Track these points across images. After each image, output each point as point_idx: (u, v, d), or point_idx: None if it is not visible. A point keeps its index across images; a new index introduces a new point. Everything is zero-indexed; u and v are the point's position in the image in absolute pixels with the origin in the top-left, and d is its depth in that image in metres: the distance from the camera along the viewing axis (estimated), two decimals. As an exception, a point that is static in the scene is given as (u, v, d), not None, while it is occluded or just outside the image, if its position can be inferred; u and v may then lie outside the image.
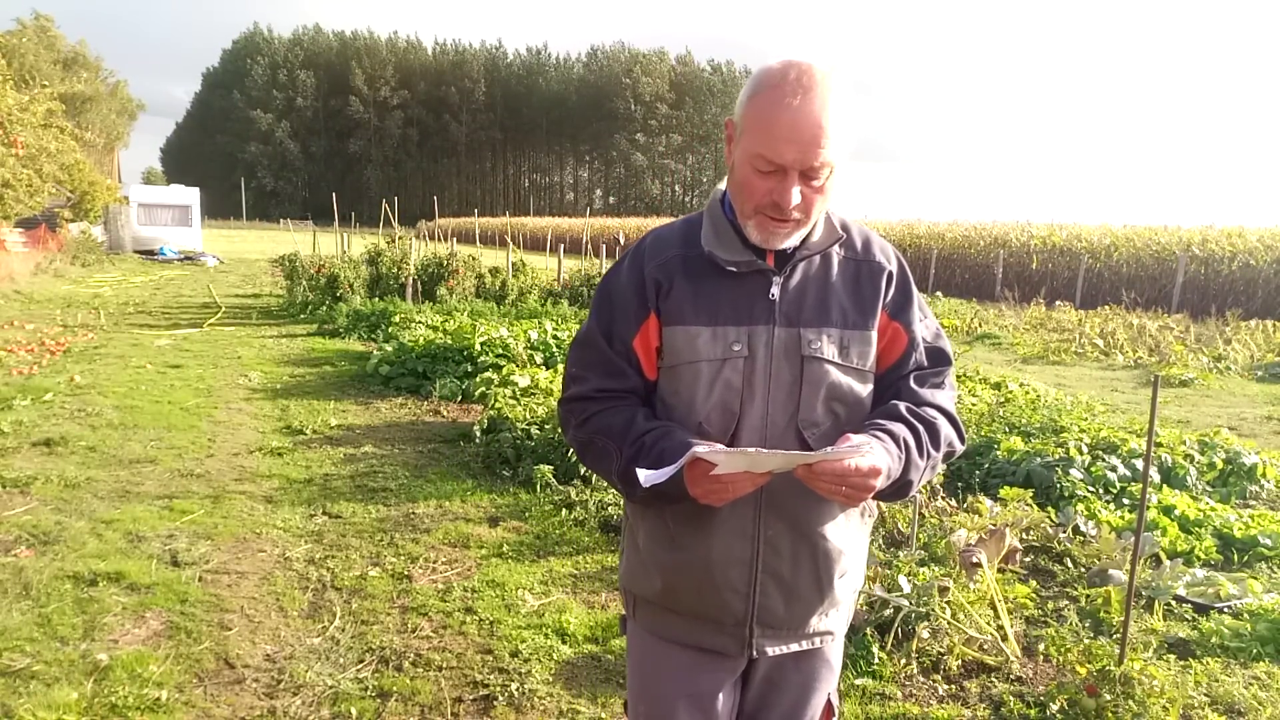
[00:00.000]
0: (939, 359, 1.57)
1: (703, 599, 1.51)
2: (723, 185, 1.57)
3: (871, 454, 1.32)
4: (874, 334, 1.50)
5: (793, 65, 1.36)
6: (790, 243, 1.45)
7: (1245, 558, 4.34)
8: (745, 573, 1.48)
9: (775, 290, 1.46)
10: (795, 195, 1.36)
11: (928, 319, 1.57)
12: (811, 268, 1.49)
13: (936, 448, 1.49)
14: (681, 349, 1.47)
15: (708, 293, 1.47)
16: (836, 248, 1.50)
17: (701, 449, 1.29)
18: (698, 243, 1.50)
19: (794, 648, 1.56)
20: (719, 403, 1.45)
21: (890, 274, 1.53)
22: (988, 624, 3.33)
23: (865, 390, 1.51)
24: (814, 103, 1.34)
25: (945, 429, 1.51)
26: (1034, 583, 3.96)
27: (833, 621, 1.59)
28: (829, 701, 1.66)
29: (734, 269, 1.45)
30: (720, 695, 1.57)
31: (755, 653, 1.53)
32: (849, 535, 1.56)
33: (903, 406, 1.49)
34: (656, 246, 1.54)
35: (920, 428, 1.47)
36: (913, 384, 1.53)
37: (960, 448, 1.56)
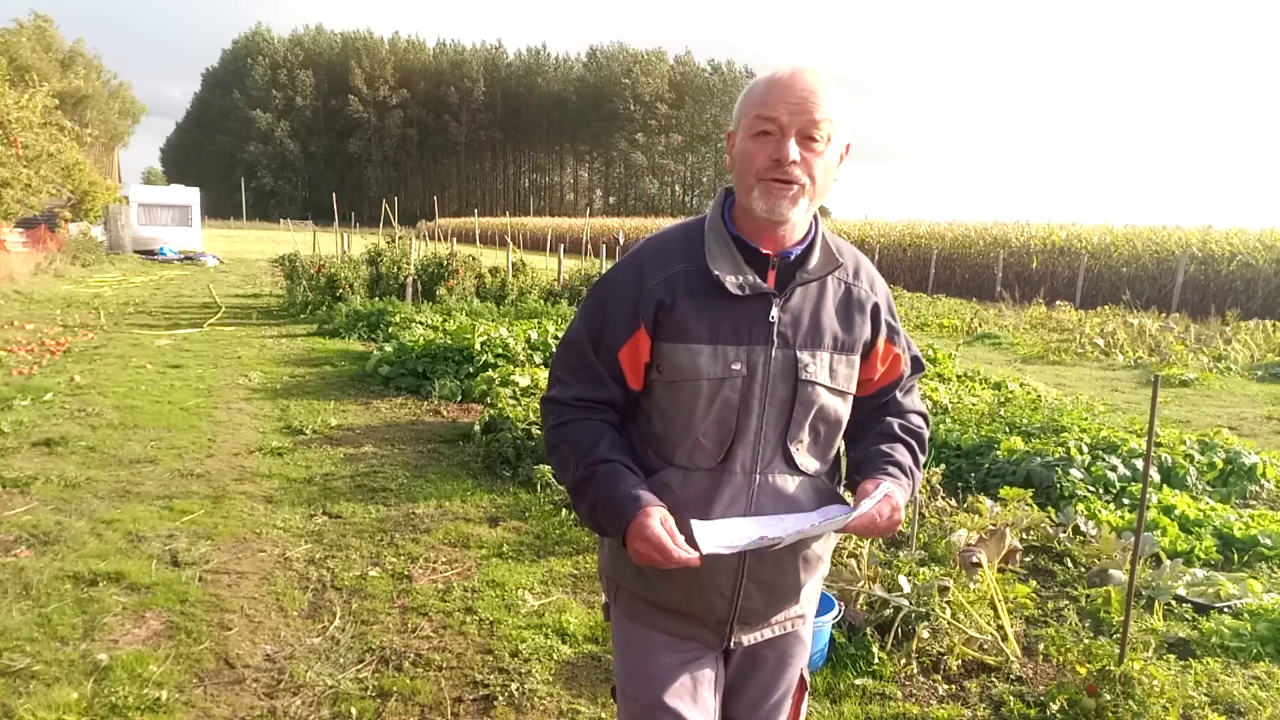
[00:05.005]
0: (917, 367, 1.74)
1: (689, 600, 1.58)
2: (723, 191, 1.62)
3: (888, 495, 1.48)
4: (858, 358, 1.60)
5: (786, 65, 1.49)
6: (797, 214, 1.48)
7: (1245, 558, 4.34)
8: (731, 578, 1.55)
9: (775, 312, 1.51)
10: (793, 150, 1.43)
11: (900, 325, 1.71)
12: (809, 292, 1.55)
13: (924, 452, 1.68)
14: (684, 366, 1.51)
15: (711, 311, 1.51)
16: (834, 274, 1.58)
17: (756, 532, 1.42)
18: (701, 256, 1.53)
19: (768, 634, 1.66)
20: (716, 419, 1.51)
21: (877, 305, 1.62)
22: (988, 624, 3.33)
23: (845, 411, 1.62)
24: (805, 75, 1.47)
25: (925, 430, 1.71)
26: (1034, 583, 3.96)
27: (805, 606, 1.69)
28: (801, 676, 1.77)
29: (738, 292, 1.50)
30: (706, 669, 1.63)
31: (732, 644, 1.63)
32: (829, 540, 1.69)
33: (895, 425, 1.66)
34: (659, 259, 1.56)
35: (914, 443, 1.65)
36: (898, 395, 1.71)
37: (929, 431, 1.75)
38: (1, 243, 17.41)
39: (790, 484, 1.55)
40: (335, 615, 3.58)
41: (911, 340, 1.74)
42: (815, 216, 1.58)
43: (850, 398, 1.62)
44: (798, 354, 1.52)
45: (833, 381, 1.56)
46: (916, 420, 1.69)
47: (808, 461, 1.57)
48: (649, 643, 1.63)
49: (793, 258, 1.54)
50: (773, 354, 1.51)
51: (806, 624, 1.73)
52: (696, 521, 1.43)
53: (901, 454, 1.60)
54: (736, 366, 1.49)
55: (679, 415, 1.53)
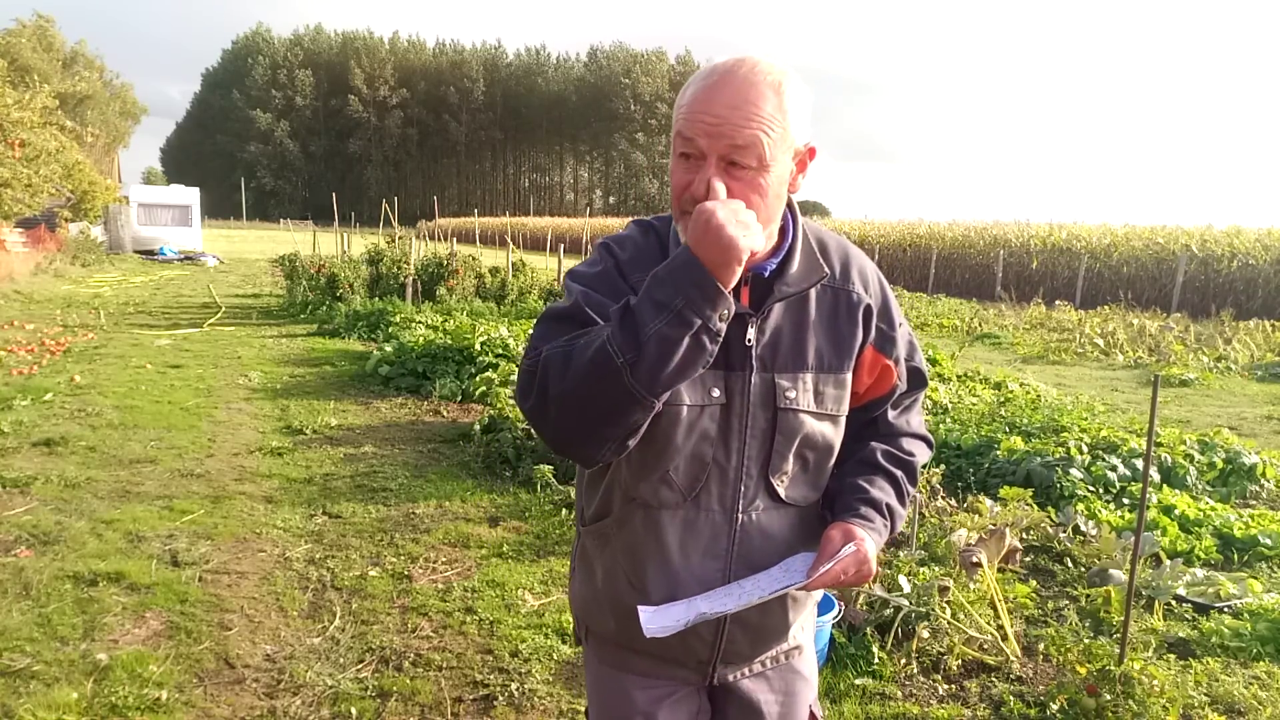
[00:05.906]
0: (916, 380, 1.53)
1: (665, 645, 1.40)
2: None
3: (856, 551, 1.31)
4: (849, 376, 1.43)
5: (724, 60, 1.26)
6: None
7: (1245, 557, 4.34)
8: (713, 624, 1.41)
9: (751, 334, 1.34)
10: (715, 186, 1.20)
11: (903, 327, 1.51)
12: (789, 307, 1.37)
13: (914, 483, 1.49)
14: None
15: None
16: (819, 282, 1.38)
17: (704, 607, 1.29)
18: None
19: (756, 669, 1.52)
20: (692, 452, 1.35)
21: (869, 307, 1.43)
22: (988, 624, 3.33)
23: (836, 435, 1.44)
24: (735, 81, 1.21)
25: (920, 457, 1.51)
26: (1034, 583, 3.96)
27: (799, 638, 1.55)
28: (811, 713, 1.60)
29: None
30: (686, 706, 1.51)
31: (716, 681, 1.49)
32: None
33: (879, 452, 1.47)
34: (637, 258, 1.37)
35: (899, 474, 1.46)
36: (890, 414, 1.51)
37: (929, 457, 1.57)
38: (1, 243, 17.41)
39: (777, 520, 1.40)
40: (335, 615, 3.58)
41: (917, 346, 1.53)
42: (793, 216, 1.38)
43: (842, 420, 1.44)
44: (776, 378, 1.35)
45: (818, 405, 1.38)
46: (908, 445, 1.50)
47: (796, 493, 1.41)
48: (623, 682, 1.50)
49: (768, 272, 1.35)
50: (751, 379, 1.34)
51: (804, 656, 1.58)
52: (643, 607, 1.32)
53: (880, 489, 1.42)
54: (716, 393, 1.33)
55: (650, 445, 1.32)
